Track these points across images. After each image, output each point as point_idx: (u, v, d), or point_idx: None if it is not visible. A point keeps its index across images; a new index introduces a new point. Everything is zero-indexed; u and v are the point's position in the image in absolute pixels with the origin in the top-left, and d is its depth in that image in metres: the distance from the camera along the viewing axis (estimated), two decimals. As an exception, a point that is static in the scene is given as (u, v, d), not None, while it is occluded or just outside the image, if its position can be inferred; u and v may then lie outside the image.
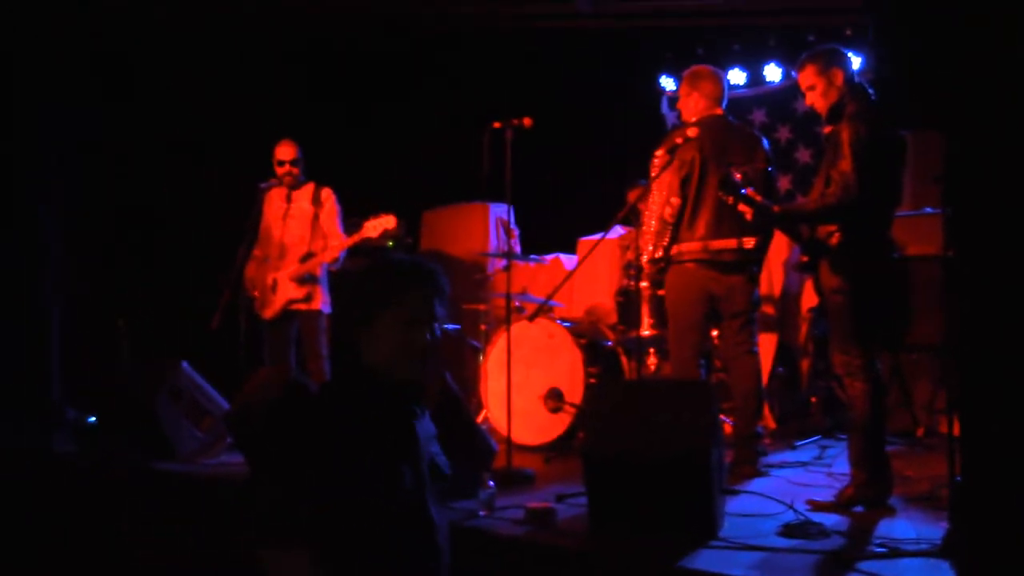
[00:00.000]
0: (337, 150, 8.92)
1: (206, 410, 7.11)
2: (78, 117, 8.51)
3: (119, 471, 6.58)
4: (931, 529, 4.50)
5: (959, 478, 3.92)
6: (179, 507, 6.10)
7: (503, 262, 7.36)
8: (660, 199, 5.96)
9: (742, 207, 5.36)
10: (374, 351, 2.83)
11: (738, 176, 5.40)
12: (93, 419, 7.65)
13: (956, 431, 4.16)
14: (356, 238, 7.06)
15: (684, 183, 5.89)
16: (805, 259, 5.29)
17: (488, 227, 9.10)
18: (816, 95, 5.27)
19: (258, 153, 7.62)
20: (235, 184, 7.86)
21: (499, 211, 8.98)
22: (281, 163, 7.36)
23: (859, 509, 4.98)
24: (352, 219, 7.26)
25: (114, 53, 8.91)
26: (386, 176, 9.35)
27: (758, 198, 5.32)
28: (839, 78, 5.19)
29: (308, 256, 7.25)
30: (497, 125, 6.19)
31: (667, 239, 5.96)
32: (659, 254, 5.99)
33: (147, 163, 9.12)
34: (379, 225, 6.96)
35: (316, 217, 7.34)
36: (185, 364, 7.16)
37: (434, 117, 9.81)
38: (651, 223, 6.01)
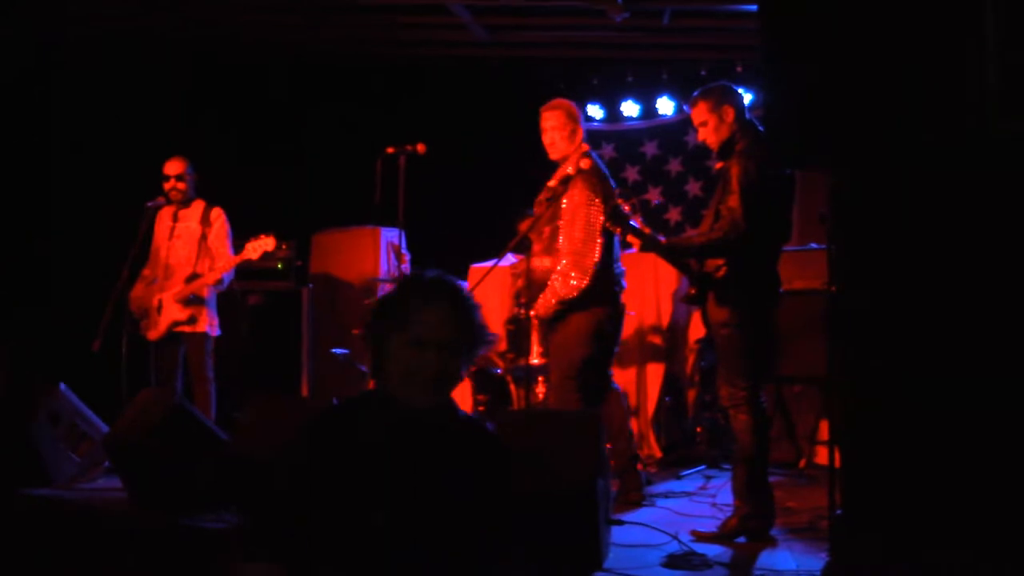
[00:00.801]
0: (229, 170, 8.79)
1: (84, 434, 6.93)
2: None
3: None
4: (811, 560, 4.58)
5: (839, 510, 3.98)
6: (52, 534, 5.91)
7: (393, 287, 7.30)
8: (583, 235, 5.74)
9: (630, 238, 5.39)
10: (388, 373, 2.67)
11: (627, 207, 5.43)
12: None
13: (837, 463, 4.22)
14: (237, 259, 6.99)
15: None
16: (693, 291, 5.34)
17: (379, 251, 9.03)
18: (708, 131, 5.33)
19: (147, 173, 7.47)
20: (120, 204, 7.69)
21: (390, 235, 8.91)
22: (167, 178, 7.20)
23: (742, 540, 5.03)
24: (236, 241, 7.16)
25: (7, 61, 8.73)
26: (278, 198, 9.23)
27: (647, 230, 5.36)
28: (730, 115, 5.27)
29: (193, 277, 7.10)
30: (391, 150, 6.16)
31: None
32: (584, 286, 5.79)
33: (30, 179, 8.90)
34: (259, 247, 6.89)
35: (204, 237, 7.19)
36: (63, 387, 6.97)
37: (329, 141, 9.73)
38: (575, 257, 5.76)
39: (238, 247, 7.01)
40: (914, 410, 3.45)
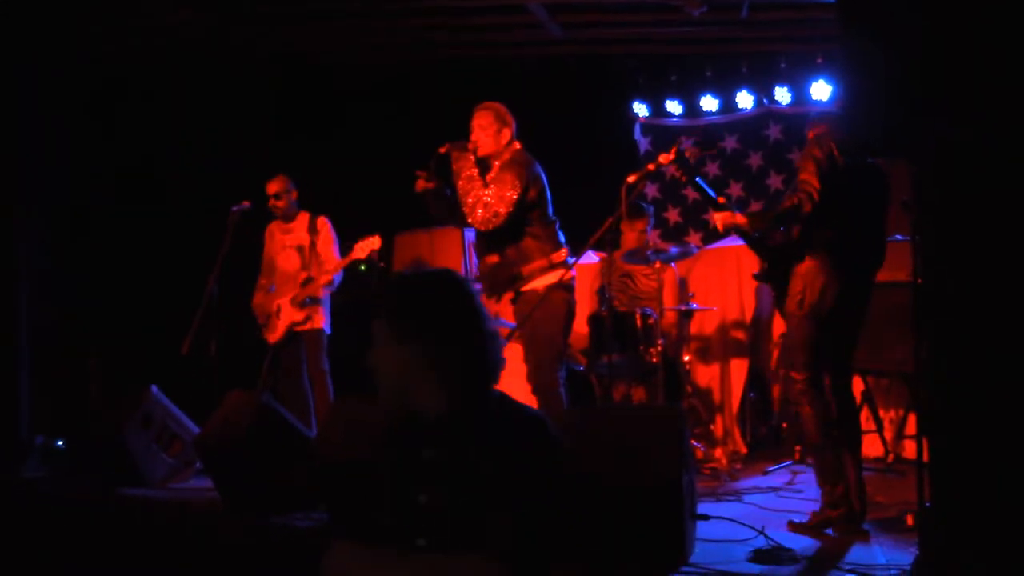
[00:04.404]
0: (311, 173, 8.90)
1: (176, 435, 7.07)
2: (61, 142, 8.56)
3: (87, 496, 6.52)
4: (901, 555, 4.52)
5: (928, 504, 3.93)
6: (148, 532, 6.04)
7: (476, 287, 7.37)
8: None
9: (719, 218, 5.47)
10: None
11: (688, 153, 5.54)
12: (61, 443, 7.60)
13: (925, 456, 4.17)
14: (348, 259, 7.48)
15: None
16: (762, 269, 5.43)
17: (461, 251, 9.08)
18: None
19: (229, 183, 7.76)
20: (207, 212, 7.92)
21: (472, 236, 8.96)
22: (267, 197, 7.71)
23: (830, 532, 5.00)
24: (345, 243, 7.65)
25: (103, 85, 8.94)
26: (360, 200, 9.30)
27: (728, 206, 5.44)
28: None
29: (308, 281, 7.60)
30: (443, 150, 6.23)
31: None
32: None
33: (126, 187, 9.12)
34: (366, 246, 7.37)
35: (313, 245, 7.73)
36: (155, 389, 7.12)
37: (408, 141, 9.78)
38: None
39: (348, 248, 7.49)
40: (1004, 403, 3.40)
